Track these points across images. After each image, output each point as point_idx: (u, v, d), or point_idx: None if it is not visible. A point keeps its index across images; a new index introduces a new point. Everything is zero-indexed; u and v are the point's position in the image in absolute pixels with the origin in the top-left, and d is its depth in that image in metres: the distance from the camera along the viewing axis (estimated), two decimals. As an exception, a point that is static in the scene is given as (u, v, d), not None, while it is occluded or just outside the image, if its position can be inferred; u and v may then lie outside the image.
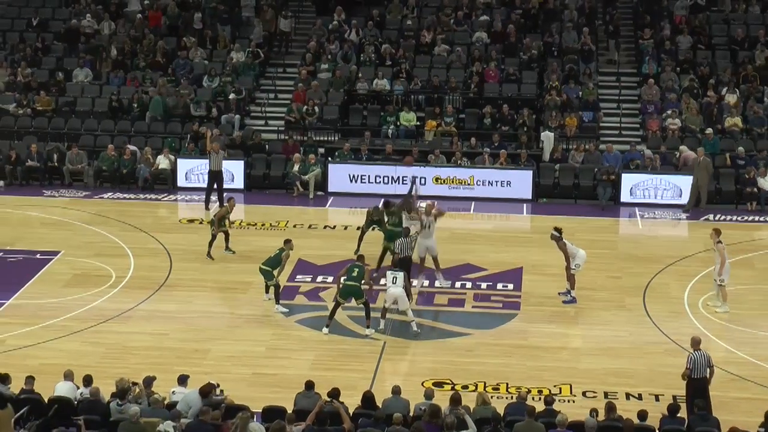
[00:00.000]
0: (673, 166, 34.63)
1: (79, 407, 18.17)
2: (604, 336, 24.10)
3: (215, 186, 32.69)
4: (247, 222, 31.54)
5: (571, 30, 40.53)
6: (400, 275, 23.96)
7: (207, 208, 32.56)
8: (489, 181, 34.46)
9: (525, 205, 34.02)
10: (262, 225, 31.24)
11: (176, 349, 23.10)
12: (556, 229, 26.07)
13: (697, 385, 19.65)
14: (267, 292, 25.64)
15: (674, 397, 20.25)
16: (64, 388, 18.84)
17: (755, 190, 33.63)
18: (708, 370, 19.75)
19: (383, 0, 42.68)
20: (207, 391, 18.15)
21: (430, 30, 40.89)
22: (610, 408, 18.24)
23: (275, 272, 25.09)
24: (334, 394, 18.43)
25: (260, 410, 18.53)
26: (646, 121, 37.23)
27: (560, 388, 21.26)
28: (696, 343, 19.98)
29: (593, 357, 22.98)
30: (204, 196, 32.90)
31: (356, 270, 24.02)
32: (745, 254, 29.34)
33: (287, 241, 25.49)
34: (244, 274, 27.06)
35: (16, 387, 18.82)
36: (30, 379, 18.83)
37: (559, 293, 26.10)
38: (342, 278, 24.07)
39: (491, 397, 19.77)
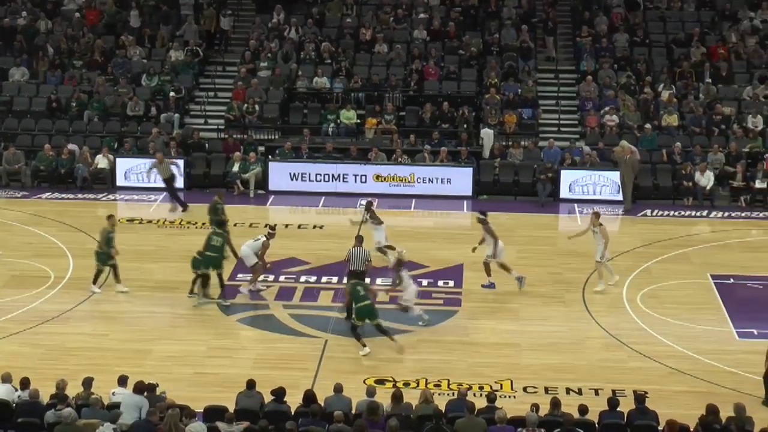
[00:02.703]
0: (612, 162, 34.91)
1: (17, 410, 18.00)
2: (544, 331, 24.25)
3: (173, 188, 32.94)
4: (188, 221, 31.39)
5: (510, 28, 40.77)
6: None
7: (184, 210, 32.50)
8: (429, 179, 34.58)
9: (465, 202, 34.17)
10: (203, 224, 31.07)
11: (117, 349, 22.93)
12: (481, 212, 26.48)
13: None
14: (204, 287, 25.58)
15: (613, 392, 20.40)
16: (1, 391, 18.65)
17: (692, 185, 34.00)
18: None
19: (323, -2, 42.69)
20: (141, 388, 18.11)
21: (369, 28, 40.94)
22: (555, 404, 18.37)
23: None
24: (279, 393, 18.46)
25: (202, 410, 18.46)
26: (585, 117, 37.54)
27: (501, 384, 21.37)
28: None
29: (534, 352, 23.12)
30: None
31: (361, 289, 23.30)
32: (682, 249, 29.69)
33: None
34: (185, 274, 26.84)
35: (-47, 390, 18.63)
36: (-33, 383, 18.65)
37: (482, 285, 26.46)
38: (353, 303, 23.26)
39: (433, 394, 19.80)
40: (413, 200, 33.95)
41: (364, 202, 29.28)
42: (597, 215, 26.51)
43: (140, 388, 18.20)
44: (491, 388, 20.88)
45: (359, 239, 25.35)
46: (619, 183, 33.71)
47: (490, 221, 26.46)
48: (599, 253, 26.17)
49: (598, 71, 39.12)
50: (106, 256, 25.75)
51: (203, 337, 23.76)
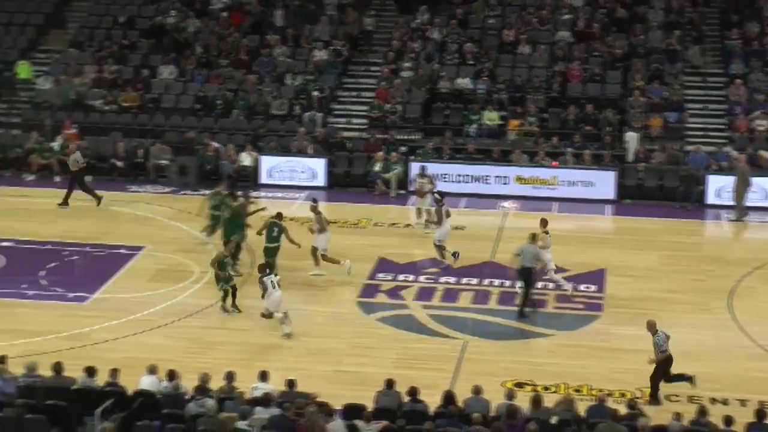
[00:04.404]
0: (759, 167, 34.09)
1: (161, 401, 18.32)
2: (689, 339, 23.70)
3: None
4: (329, 220, 31.55)
5: (655, 30, 40.09)
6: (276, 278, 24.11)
7: (65, 204, 32.35)
8: (572, 181, 34.24)
9: (608, 206, 33.73)
10: (344, 223, 31.25)
11: (257, 344, 23.22)
12: (313, 200, 28.10)
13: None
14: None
15: (761, 403, 19.86)
16: (147, 382, 19.04)
17: None
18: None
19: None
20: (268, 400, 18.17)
21: (513, 29, 40.66)
22: (702, 412, 18.03)
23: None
24: (412, 392, 18.46)
25: (341, 407, 18.54)
26: (733, 122, 36.69)
27: (643, 392, 21.01)
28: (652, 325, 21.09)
29: (677, 360, 22.52)
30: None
31: (276, 229, 26.10)
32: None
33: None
34: (324, 271, 27.14)
35: (101, 379, 19.04)
36: (114, 372, 19.04)
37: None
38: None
39: (573, 400, 19.54)
40: (555, 203, 33.60)
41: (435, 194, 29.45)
42: (544, 222, 26.12)
43: (267, 399, 18.27)
44: (632, 395, 20.54)
45: (532, 237, 25.31)
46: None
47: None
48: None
49: (748, 75, 38.19)
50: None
51: (343, 335, 23.89)
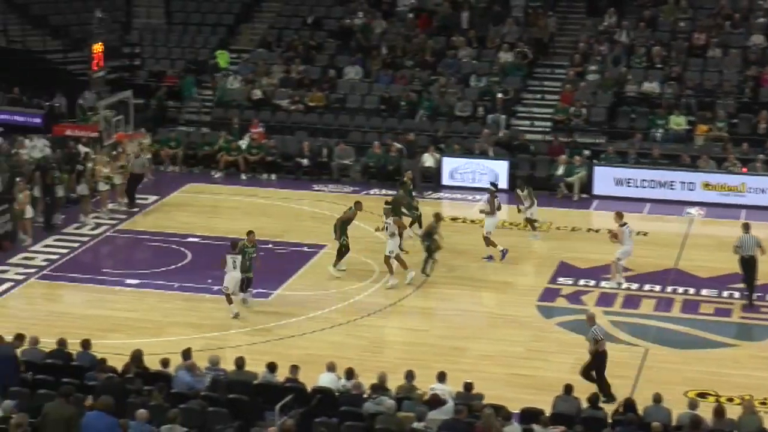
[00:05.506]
0: None
1: (339, 398, 18.49)
2: None
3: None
4: (510, 222, 31.39)
5: None
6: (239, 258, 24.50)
7: (132, 207, 32.70)
8: (761, 189, 33.23)
9: (800, 214, 32.65)
10: (525, 226, 31.01)
11: (435, 345, 23.26)
12: (492, 184, 29.76)
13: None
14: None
15: None
16: (326, 379, 19.23)
17: None
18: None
19: (657, 1, 41.62)
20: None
21: (703, 32, 39.71)
22: None
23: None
24: (593, 399, 18.22)
25: (517, 411, 18.39)
26: None
27: (832, 407, 20.31)
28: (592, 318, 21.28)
29: None
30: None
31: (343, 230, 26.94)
32: None
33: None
34: (504, 274, 27.07)
35: (281, 375, 19.31)
36: (294, 368, 19.30)
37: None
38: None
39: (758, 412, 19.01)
40: (743, 210, 32.66)
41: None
42: (619, 215, 26.56)
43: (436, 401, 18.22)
44: (821, 410, 19.90)
45: (746, 226, 25.31)
46: None
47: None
48: (617, 252, 26.32)
49: None
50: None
51: (520, 338, 23.76)
